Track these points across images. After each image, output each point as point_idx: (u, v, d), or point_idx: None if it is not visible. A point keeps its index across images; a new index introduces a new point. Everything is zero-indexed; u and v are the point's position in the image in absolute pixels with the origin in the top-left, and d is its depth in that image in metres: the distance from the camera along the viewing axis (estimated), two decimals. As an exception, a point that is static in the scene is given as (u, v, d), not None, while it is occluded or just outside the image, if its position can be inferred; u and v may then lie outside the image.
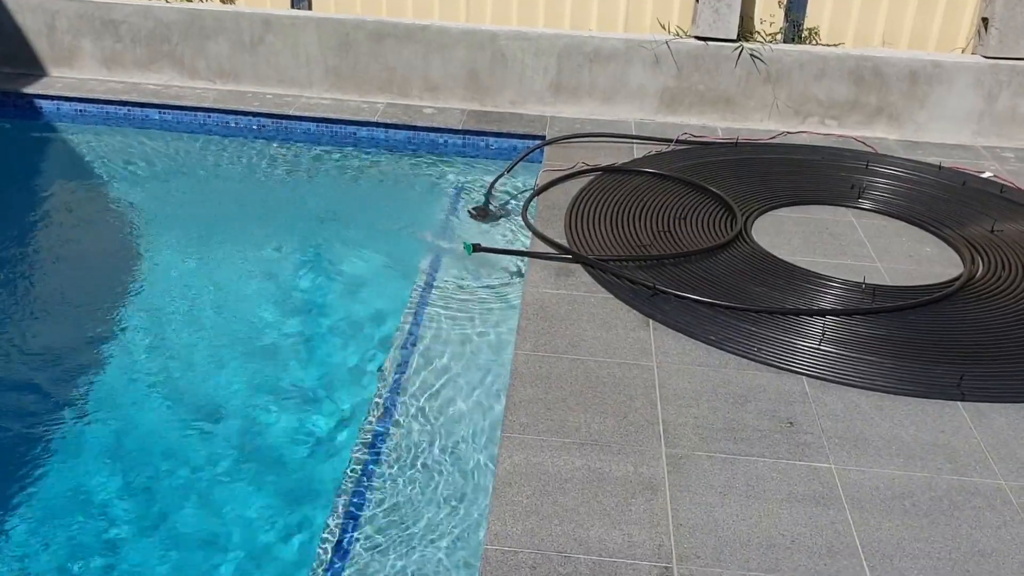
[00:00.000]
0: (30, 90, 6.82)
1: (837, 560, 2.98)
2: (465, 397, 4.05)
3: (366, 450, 3.70)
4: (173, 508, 3.51)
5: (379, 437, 3.78)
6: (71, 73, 7.05)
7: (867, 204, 5.62)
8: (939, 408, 3.75)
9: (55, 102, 6.81)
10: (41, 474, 3.62)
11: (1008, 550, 3.06)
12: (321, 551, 3.24)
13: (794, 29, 6.82)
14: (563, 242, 4.93)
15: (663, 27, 6.82)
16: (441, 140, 6.61)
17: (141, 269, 5.09)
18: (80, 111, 6.81)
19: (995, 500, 3.28)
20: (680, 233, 5.09)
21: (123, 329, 4.53)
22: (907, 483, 3.34)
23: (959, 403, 3.79)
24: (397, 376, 4.17)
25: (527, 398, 3.67)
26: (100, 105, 6.78)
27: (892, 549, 3.04)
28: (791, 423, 3.61)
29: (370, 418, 3.89)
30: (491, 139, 6.57)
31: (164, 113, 6.74)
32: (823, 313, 4.35)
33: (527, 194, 5.67)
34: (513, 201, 5.82)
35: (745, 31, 6.73)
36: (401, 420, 3.89)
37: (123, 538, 3.35)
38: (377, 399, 4.02)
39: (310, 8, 7.14)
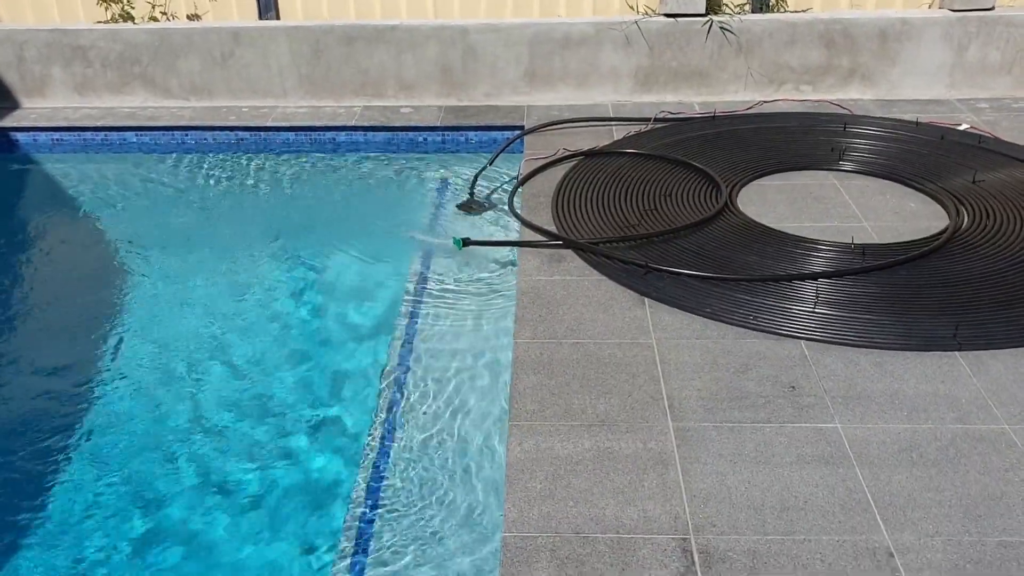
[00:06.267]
0: (4, 124, 6.77)
1: (851, 517, 3.02)
2: (468, 391, 4.07)
3: (376, 444, 3.73)
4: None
5: (385, 437, 3.80)
6: (44, 103, 7.02)
7: (848, 166, 5.66)
8: (937, 360, 3.80)
9: (31, 133, 6.77)
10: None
11: (1017, 492, 3.10)
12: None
13: (761, -2, 6.86)
14: (552, 229, 4.95)
15: (631, 7, 6.84)
16: (420, 138, 6.61)
17: (136, 290, 5.08)
18: (57, 140, 6.77)
19: (1000, 444, 3.33)
20: (667, 210, 5.11)
21: (115, 354, 4.54)
22: (912, 436, 3.38)
23: (956, 353, 3.83)
24: (398, 375, 4.19)
25: (531, 385, 3.70)
26: (76, 133, 6.74)
27: (904, 501, 3.08)
28: (793, 387, 3.65)
29: (376, 416, 3.92)
30: (470, 133, 6.58)
31: (141, 135, 6.71)
32: (815, 276, 4.39)
33: (511, 184, 5.68)
34: (498, 192, 5.83)
35: (713, 4, 6.76)
36: (404, 418, 3.90)
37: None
38: (380, 399, 4.04)
39: (278, 18, 7.13)
